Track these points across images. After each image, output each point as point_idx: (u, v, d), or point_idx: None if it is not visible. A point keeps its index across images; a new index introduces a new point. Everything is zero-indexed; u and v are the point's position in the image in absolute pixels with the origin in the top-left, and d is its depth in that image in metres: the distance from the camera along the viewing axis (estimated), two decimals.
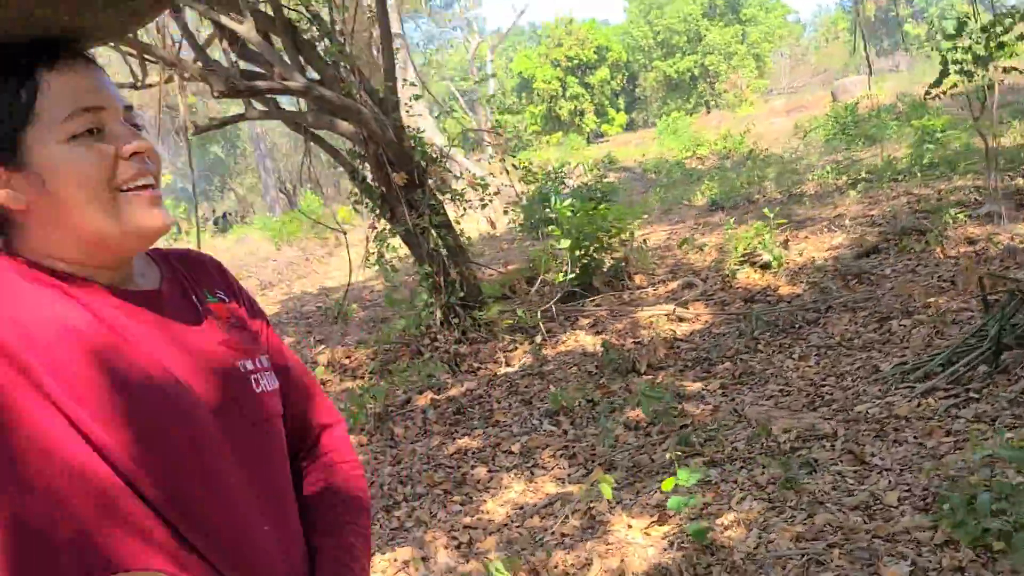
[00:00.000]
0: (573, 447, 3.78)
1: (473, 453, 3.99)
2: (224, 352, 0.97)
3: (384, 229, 5.80)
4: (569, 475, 3.50)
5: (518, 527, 3.12)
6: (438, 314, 5.70)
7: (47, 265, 0.89)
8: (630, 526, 2.88)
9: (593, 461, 3.58)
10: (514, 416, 4.38)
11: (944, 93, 5.85)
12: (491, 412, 4.51)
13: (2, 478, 0.83)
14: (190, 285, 1.02)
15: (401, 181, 5.40)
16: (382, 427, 4.48)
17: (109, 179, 0.89)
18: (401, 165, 5.46)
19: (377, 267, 5.84)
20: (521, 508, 3.30)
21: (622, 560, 2.64)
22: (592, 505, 3.08)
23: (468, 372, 5.25)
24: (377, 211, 5.79)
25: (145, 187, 0.91)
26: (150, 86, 5.53)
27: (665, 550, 2.66)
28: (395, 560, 2.97)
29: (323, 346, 6.30)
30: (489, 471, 3.73)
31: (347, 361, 5.68)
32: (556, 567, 2.69)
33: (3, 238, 0.90)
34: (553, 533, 2.97)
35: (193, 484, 0.90)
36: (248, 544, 0.93)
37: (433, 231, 5.63)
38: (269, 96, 5.51)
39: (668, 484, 2.71)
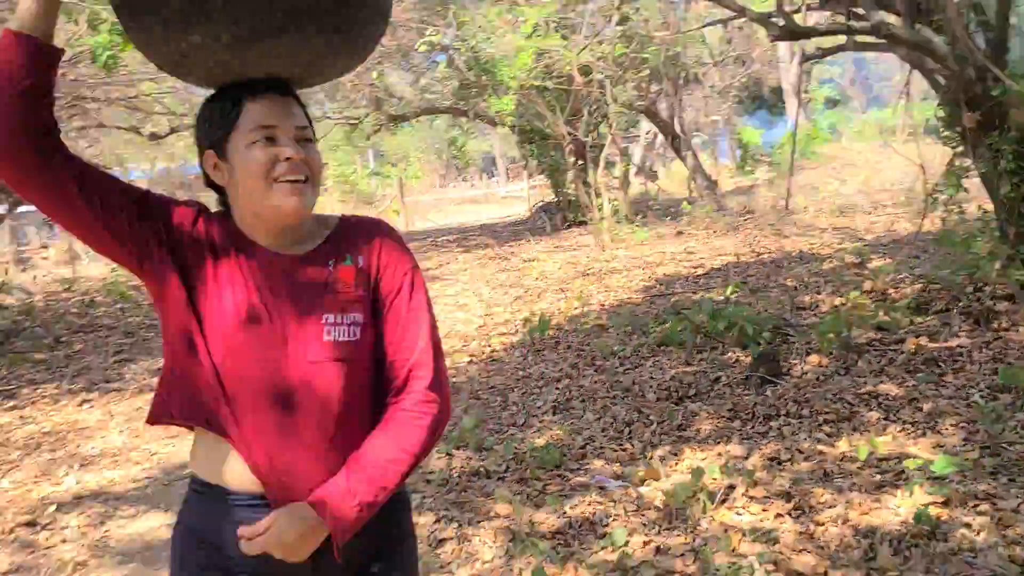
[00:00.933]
0: None
1: None
2: (316, 304, 1.32)
3: (960, 166, 5.60)
4: None
5: None
6: (996, 265, 5.34)
7: (239, 226, 1.34)
8: None
9: None
10: None
11: None
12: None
13: (162, 319, 1.35)
14: (339, 249, 1.37)
15: (972, 123, 5.17)
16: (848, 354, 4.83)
17: (268, 173, 1.29)
18: (976, 106, 5.18)
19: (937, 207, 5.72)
20: None
21: None
22: None
23: (991, 330, 4.97)
24: (958, 147, 5.60)
25: (293, 181, 1.29)
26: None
27: None
28: None
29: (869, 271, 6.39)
30: None
31: (893, 292, 5.86)
32: None
33: (225, 206, 1.39)
34: None
35: (250, 390, 1.28)
36: (278, 441, 1.29)
37: (1011, 176, 5.21)
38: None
39: None
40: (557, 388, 5.10)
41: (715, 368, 5.01)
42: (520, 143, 15.59)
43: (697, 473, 3.36)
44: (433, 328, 1.40)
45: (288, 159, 1.29)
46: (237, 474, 1.31)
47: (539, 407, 4.83)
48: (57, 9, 1.21)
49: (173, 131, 13.24)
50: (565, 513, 3.39)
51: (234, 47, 1.26)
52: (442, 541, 3.28)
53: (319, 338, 1.30)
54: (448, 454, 4.19)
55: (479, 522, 3.39)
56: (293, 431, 1.29)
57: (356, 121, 15.11)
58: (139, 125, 13.06)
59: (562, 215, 15.25)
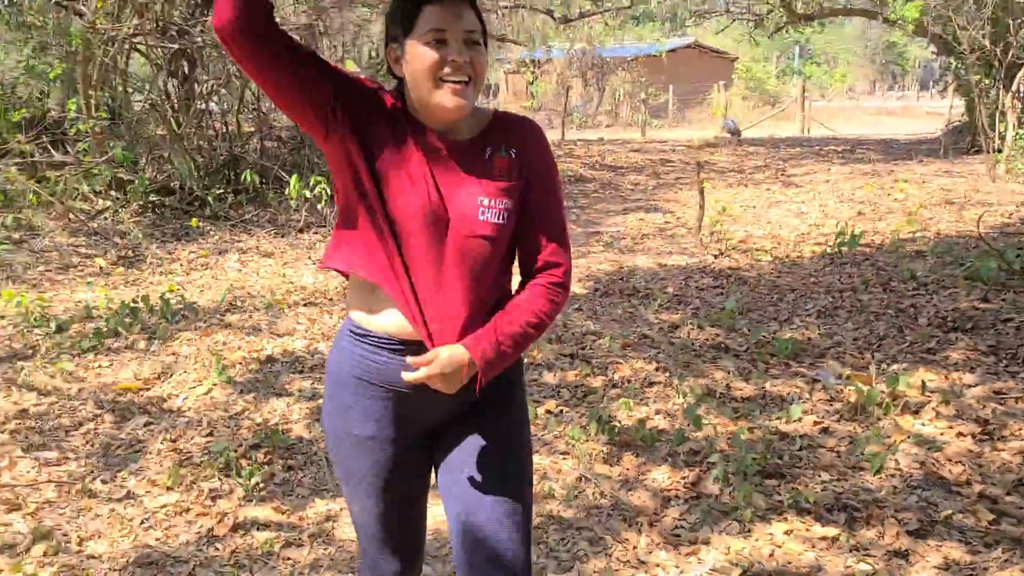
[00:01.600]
0: None
1: None
2: (475, 187, 1.51)
3: None
4: None
5: None
6: None
7: (410, 110, 1.54)
8: None
9: None
10: None
11: None
12: None
13: (340, 184, 1.54)
14: (495, 140, 1.55)
15: None
16: None
17: (435, 72, 1.46)
18: None
19: None
20: None
21: None
22: None
23: None
24: None
25: (456, 82, 1.45)
26: None
27: None
28: None
29: None
30: None
31: None
32: None
33: (400, 94, 1.56)
34: None
35: (417, 253, 1.50)
36: (437, 300, 1.51)
37: None
38: None
39: None
40: (832, 296, 5.37)
41: (1012, 309, 4.87)
42: (937, 54, 14.30)
43: (892, 380, 3.63)
44: (566, 225, 1.64)
45: (453, 61, 1.46)
46: (395, 322, 1.55)
47: (807, 309, 5.18)
48: None
49: (582, 15, 14.52)
50: (764, 387, 3.91)
51: None
52: (652, 384, 4.02)
53: (475, 217, 1.50)
54: (699, 327, 4.83)
55: (690, 377, 4.06)
56: (447, 291, 1.51)
57: (758, 17, 15.04)
58: (551, 7, 14.52)
59: (972, 138, 13.88)
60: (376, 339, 1.57)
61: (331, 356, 1.68)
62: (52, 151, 8.74)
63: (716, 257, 6.70)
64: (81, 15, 8.18)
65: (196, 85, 9.31)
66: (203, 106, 9.32)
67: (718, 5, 16.16)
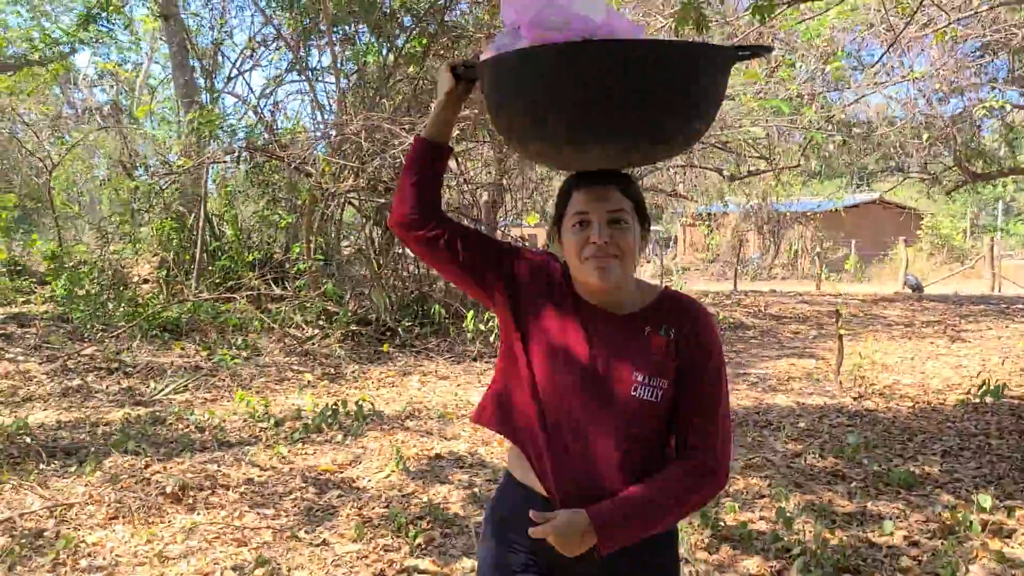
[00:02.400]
0: None
1: None
2: (631, 361, 1.59)
3: None
4: None
5: None
6: None
7: (574, 283, 1.68)
8: None
9: None
10: None
11: None
12: None
13: (502, 347, 1.71)
14: (655, 318, 1.63)
15: None
16: None
17: (579, 252, 1.60)
18: None
19: None
20: None
21: None
22: None
23: None
24: None
25: (594, 258, 1.58)
26: None
27: None
28: None
29: None
30: None
31: None
32: None
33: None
34: None
35: (562, 418, 1.60)
36: (573, 466, 1.58)
37: None
38: None
39: None
40: (962, 439, 5.65)
41: None
42: None
43: (983, 502, 4.00)
44: (725, 413, 1.62)
45: (593, 243, 1.57)
46: (538, 482, 1.63)
47: (932, 448, 5.51)
48: (453, 123, 1.72)
49: (751, 173, 15.40)
50: (865, 506, 4.36)
51: (561, 152, 1.60)
52: (761, 496, 4.56)
53: (627, 393, 1.56)
54: (822, 456, 5.29)
55: (797, 493, 4.56)
56: (589, 463, 1.58)
57: (932, 175, 15.29)
58: (721, 165, 15.51)
59: None
60: (524, 491, 1.67)
61: (494, 498, 1.79)
62: (274, 286, 10.54)
63: (855, 399, 7.07)
64: (310, 175, 10.03)
65: None
66: (400, 251, 10.89)
67: (894, 164, 16.54)
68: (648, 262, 25.08)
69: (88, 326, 8.86)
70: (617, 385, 1.58)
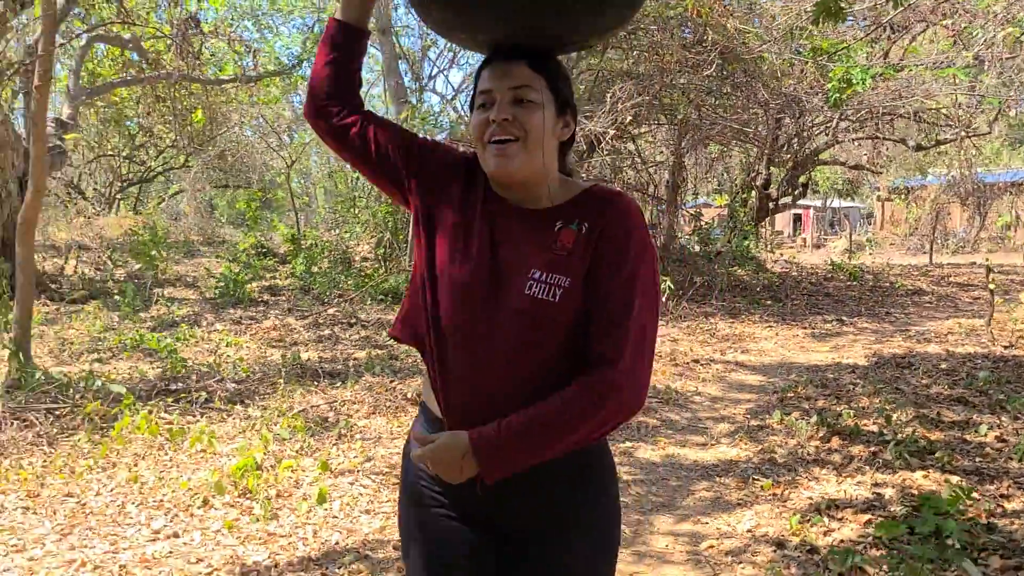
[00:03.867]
0: None
1: None
2: (530, 258, 1.41)
3: None
4: None
5: None
6: None
7: (492, 185, 1.50)
8: None
9: None
10: None
11: None
12: None
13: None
14: (571, 213, 1.45)
15: None
16: None
17: (480, 135, 1.45)
18: None
19: None
20: None
21: None
22: None
23: None
24: None
25: (499, 142, 1.41)
26: None
27: None
28: None
29: None
30: None
31: None
32: None
33: None
34: None
35: (453, 327, 1.43)
36: (460, 380, 1.42)
37: None
38: None
39: None
40: None
41: None
42: None
43: None
44: (645, 319, 1.39)
45: (494, 121, 1.42)
46: (435, 401, 1.49)
47: None
48: (372, 4, 1.60)
49: (939, 143, 15.41)
50: (970, 418, 5.23)
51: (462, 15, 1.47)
52: (881, 412, 5.52)
53: (520, 290, 1.39)
54: (951, 388, 6.11)
55: (910, 407, 5.47)
56: (480, 372, 1.41)
57: None
58: (907, 137, 15.64)
59: None
60: (427, 416, 1.54)
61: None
62: None
63: (1005, 348, 7.67)
64: None
65: None
66: None
67: None
68: (839, 238, 24.96)
69: (327, 293, 10.91)
70: (510, 284, 1.41)
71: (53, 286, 10.47)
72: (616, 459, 1.72)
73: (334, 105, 1.57)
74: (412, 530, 1.55)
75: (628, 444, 5.03)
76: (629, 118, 10.01)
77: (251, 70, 14.91)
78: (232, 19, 16.16)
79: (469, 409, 1.41)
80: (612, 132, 9.65)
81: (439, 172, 1.54)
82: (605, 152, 11.05)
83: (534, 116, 1.42)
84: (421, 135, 1.63)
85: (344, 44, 1.57)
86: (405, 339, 1.53)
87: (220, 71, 14.77)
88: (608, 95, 9.94)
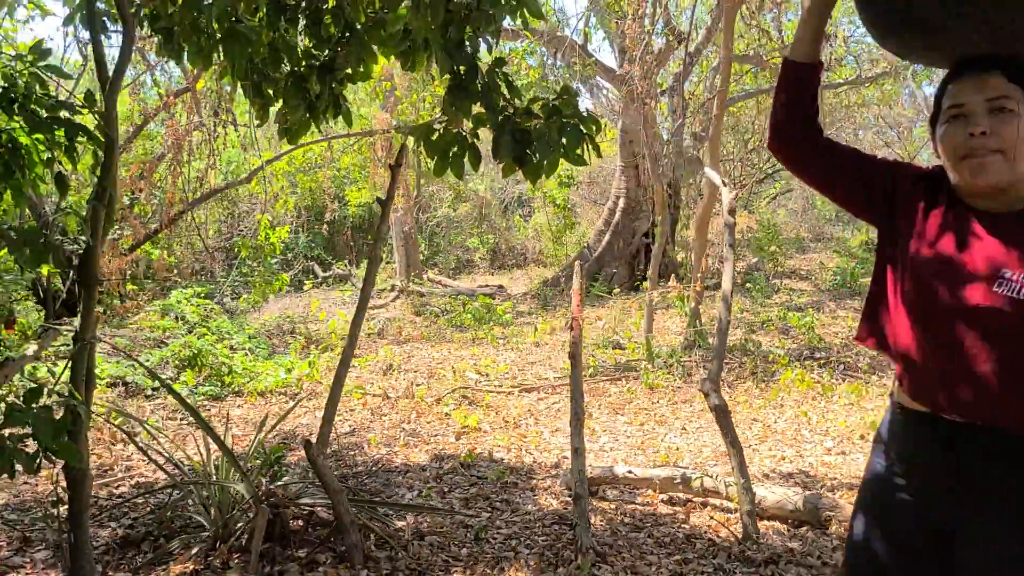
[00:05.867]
0: None
1: None
2: (1001, 258, 1.42)
3: None
4: None
5: None
6: None
7: (951, 186, 1.53)
8: None
9: None
10: None
11: None
12: None
13: (877, 260, 1.61)
14: None
15: None
16: None
17: (954, 151, 1.46)
18: None
19: None
20: None
21: None
22: None
23: None
24: None
25: (974, 157, 1.43)
26: None
27: None
28: None
29: None
30: None
31: None
32: None
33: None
34: None
35: (931, 324, 1.47)
36: (953, 369, 1.43)
37: None
38: None
39: None
40: None
41: None
42: None
43: None
44: None
45: (970, 134, 1.43)
46: (912, 400, 1.54)
47: None
48: (820, 39, 1.63)
49: None
50: None
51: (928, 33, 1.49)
52: None
53: (989, 287, 1.41)
54: None
55: None
56: (962, 366, 1.43)
57: None
58: None
59: None
60: (912, 416, 1.57)
61: (880, 426, 1.69)
62: None
63: None
64: None
65: None
66: None
67: None
68: None
69: None
70: (984, 282, 1.42)
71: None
72: None
73: (796, 136, 1.65)
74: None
75: None
76: None
77: (866, 71, 15.43)
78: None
79: (959, 405, 1.45)
80: None
81: (904, 186, 1.59)
82: None
83: (1010, 126, 1.42)
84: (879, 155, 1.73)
85: (799, 81, 1.64)
86: (875, 346, 1.61)
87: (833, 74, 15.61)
88: None
